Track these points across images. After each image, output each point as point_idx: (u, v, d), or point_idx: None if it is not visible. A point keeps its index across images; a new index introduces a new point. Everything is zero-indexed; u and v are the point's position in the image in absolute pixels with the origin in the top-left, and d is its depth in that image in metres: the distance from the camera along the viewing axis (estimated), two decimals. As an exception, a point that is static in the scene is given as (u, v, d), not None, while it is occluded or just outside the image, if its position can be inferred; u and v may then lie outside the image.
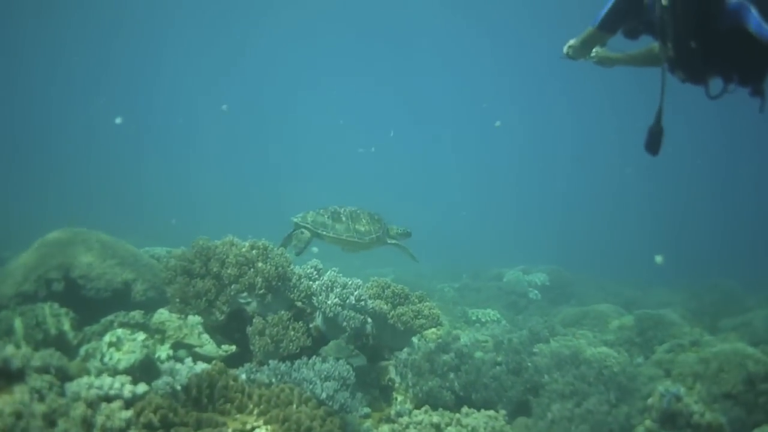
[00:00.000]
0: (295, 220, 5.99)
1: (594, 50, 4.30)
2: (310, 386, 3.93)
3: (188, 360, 3.94)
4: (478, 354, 5.77)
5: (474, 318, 10.83)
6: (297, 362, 4.17)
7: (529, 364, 6.21)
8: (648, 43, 4.12)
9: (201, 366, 3.92)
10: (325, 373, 4.04)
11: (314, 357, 4.27)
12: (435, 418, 4.47)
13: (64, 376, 3.92)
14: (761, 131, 29.46)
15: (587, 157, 44.04)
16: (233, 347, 5.55)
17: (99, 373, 4.68)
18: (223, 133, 46.38)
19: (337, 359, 4.31)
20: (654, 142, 3.89)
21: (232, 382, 3.76)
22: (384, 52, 43.38)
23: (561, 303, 14.78)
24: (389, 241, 6.26)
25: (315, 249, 6.98)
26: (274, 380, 3.99)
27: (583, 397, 5.32)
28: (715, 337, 8.01)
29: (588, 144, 44.52)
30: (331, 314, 4.64)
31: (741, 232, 35.08)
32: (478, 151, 50.22)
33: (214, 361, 3.74)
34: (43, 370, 3.78)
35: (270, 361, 4.14)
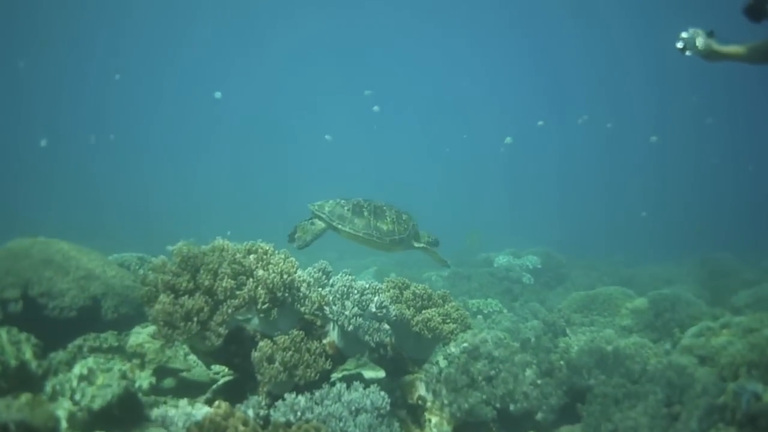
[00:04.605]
0: (312, 208, 5.28)
1: (703, 42, 3.81)
2: (340, 424, 3.15)
3: (183, 402, 3.11)
4: (516, 357, 5.03)
5: (475, 309, 10.10)
6: (318, 393, 3.37)
7: (562, 362, 5.53)
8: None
9: (199, 409, 3.09)
10: (355, 405, 3.25)
11: (339, 384, 3.47)
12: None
13: (27, 432, 3.07)
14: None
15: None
16: (225, 369, 4.74)
17: (71, 418, 3.85)
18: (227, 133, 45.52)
19: (366, 385, 3.52)
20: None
21: (242, 428, 2.95)
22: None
23: (555, 286, 14.23)
24: (416, 245, 5.52)
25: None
26: (292, 418, 3.19)
27: (637, 400, 4.64)
28: (746, 317, 7.43)
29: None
30: (350, 327, 3.80)
31: (726, 203, 35.15)
32: (457, 139, 49.68)
33: (216, 402, 2.94)
34: (1, 429, 2.92)
35: (285, 396, 3.32)
